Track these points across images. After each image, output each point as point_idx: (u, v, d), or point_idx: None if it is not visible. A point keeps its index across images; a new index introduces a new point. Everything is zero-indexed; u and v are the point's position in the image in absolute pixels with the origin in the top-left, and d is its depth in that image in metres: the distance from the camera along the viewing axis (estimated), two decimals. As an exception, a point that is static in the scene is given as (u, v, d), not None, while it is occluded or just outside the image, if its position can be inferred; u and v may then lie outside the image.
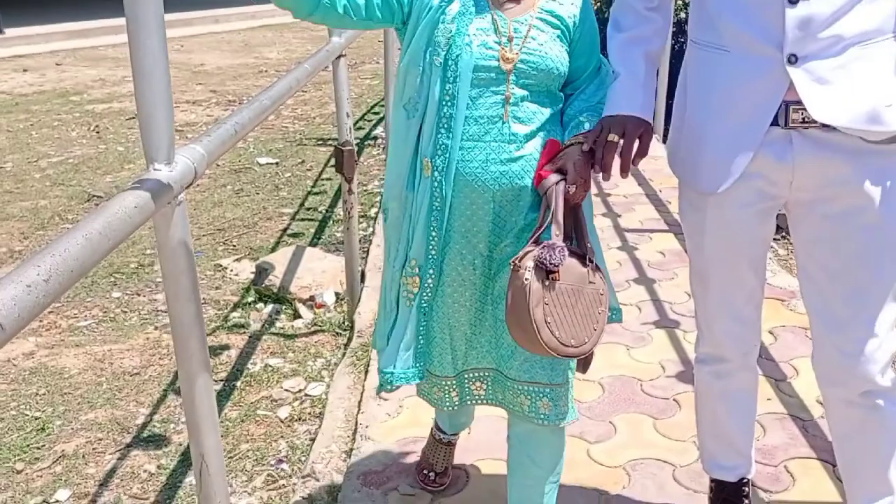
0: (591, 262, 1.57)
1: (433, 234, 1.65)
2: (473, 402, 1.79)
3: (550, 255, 1.51)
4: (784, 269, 3.51)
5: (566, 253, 1.53)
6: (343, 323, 3.53)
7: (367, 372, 2.86)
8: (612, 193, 4.49)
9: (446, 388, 1.76)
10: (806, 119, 1.48)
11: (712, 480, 1.93)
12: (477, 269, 1.67)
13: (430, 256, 1.67)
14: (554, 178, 1.58)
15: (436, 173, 1.62)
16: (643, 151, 1.57)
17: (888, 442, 1.67)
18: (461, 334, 1.71)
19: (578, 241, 1.59)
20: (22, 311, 0.90)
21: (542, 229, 1.57)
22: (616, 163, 1.56)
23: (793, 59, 1.45)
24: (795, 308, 3.06)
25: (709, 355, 1.82)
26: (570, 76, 1.67)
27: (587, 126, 1.61)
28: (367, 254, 4.08)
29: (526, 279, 1.51)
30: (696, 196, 1.67)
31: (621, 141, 1.54)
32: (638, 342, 2.81)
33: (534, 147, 1.62)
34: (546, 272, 1.50)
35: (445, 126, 1.59)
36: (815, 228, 1.59)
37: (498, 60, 1.58)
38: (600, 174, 1.58)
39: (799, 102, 1.47)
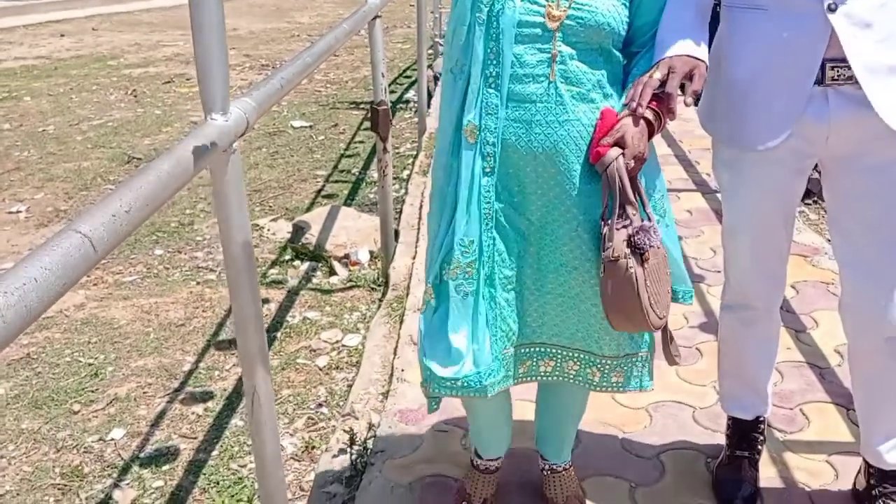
0: (655, 229, 1.54)
1: (486, 205, 1.56)
2: (531, 378, 1.71)
3: (648, 239, 1.49)
4: (809, 228, 3.57)
5: (658, 232, 1.52)
6: (377, 279, 3.66)
7: (401, 321, 2.99)
8: (641, 154, 4.55)
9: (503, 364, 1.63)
10: (842, 77, 1.54)
11: (730, 418, 2.04)
12: (529, 239, 1.60)
13: (486, 229, 1.57)
14: (614, 153, 1.49)
15: (487, 134, 1.53)
16: (696, 89, 1.49)
17: None
18: (515, 310, 1.63)
19: (641, 209, 1.56)
20: (110, 235, 1.03)
21: (608, 209, 1.53)
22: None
23: (833, 7, 1.49)
24: (818, 264, 3.13)
25: (736, 303, 1.91)
26: (634, 35, 1.58)
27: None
28: (401, 213, 4.19)
29: (630, 268, 1.49)
30: (732, 154, 1.73)
31: (662, 78, 1.48)
32: (663, 295, 2.91)
33: (584, 112, 1.54)
34: (640, 255, 1.49)
35: (493, 85, 1.52)
36: (850, 182, 1.65)
37: (543, 17, 1.51)
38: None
39: (835, 60, 1.53)
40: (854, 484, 1.96)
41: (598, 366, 1.67)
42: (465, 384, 1.56)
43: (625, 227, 1.51)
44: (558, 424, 1.91)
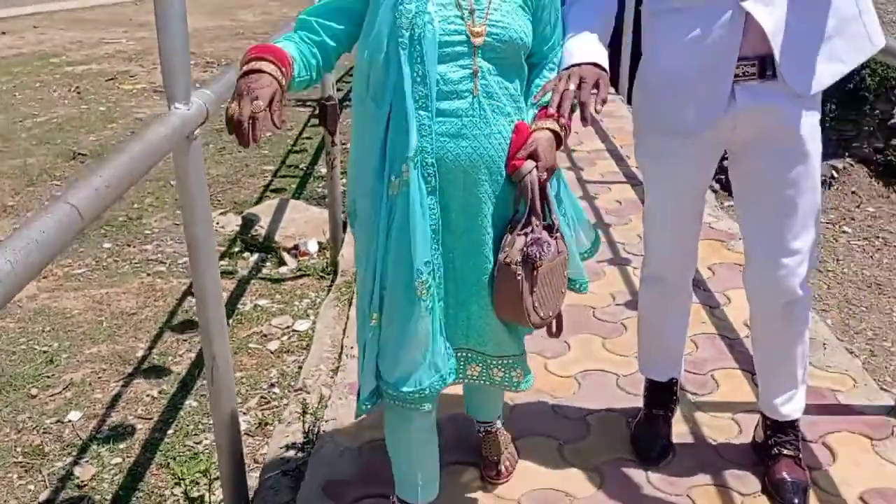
0: (557, 231, 1.70)
1: (432, 222, 1.62)
2: (462, 380, 1.82)
3: (540, 252, 1.62)
4: (727, 216, 3.85)
5: (552, 245, 1.65)
6: (326, 268, 3.82)
7: (350, 304, 3.16)
8: (576, 149, 4.79)
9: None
10: (747, 74, 1.75)
11: (647, 381, 2.27)
12: (454, 251, 1.68)
13: (435, 247, 1.63)
14: (529, 165, 1.60)
15: (425, 155, 1.58)
16: (603, 98, 1.60)
17: (799, 344, 2.00)
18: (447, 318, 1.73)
19: (548, 215, 1.70)
20: (95, 206, 1.19)
21: (517, 215, 1.65)
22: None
23: None
24: (733, 248, 3.40)
25: (654, 276, 2.13)
26: (534, 46, 1.67)
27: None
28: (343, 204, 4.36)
29: (518, 275, 1.62)
30: (655, 143, 1.94)
31: (577, 89, 1.61)
32: (594, 276, 3.13)
33: (503, 125, 1.63)
34: (532, 265, 1.62)
35: (424, 106, 1.56)
36: (753, 164, 1.88)
37: (465, 35, 1.56)
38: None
39: (742, 58, 1.73)
40: (753, 437, 2.20)
41: (503, 366, 1.80)
42: (431, 390, 1.68)
43: (525, 234, 1.64)
44: (483, 392, 2.08)
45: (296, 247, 4.09)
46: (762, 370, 2.09)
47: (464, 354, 1.78)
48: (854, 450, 2.19)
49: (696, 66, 1.77)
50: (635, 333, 2.28)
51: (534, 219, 1.64)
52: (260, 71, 1.46)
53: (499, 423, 2.15)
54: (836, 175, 7.13)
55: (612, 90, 5.50)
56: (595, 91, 1.60)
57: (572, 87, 1.59)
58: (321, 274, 3.80)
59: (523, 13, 1.62)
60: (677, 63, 1.80)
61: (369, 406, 1.75)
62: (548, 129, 1.63)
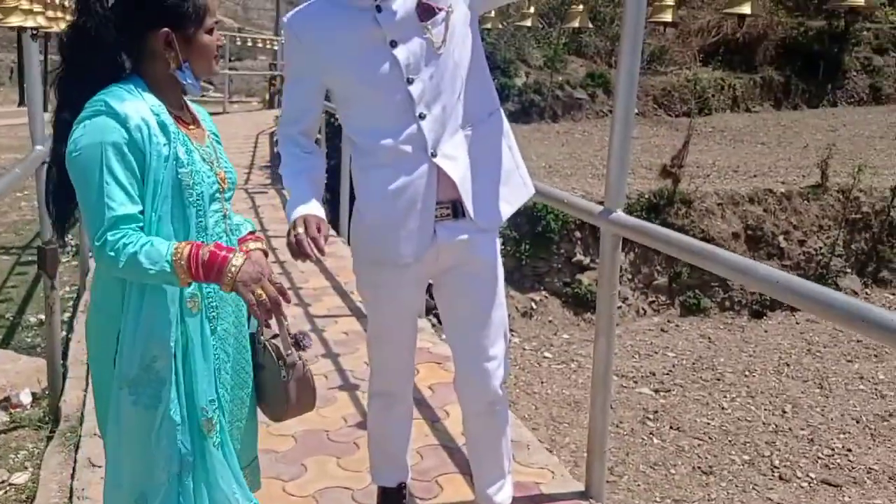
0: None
1: (216, 361, 1.78)
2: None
3: (306, 339, 1.90)
4: (442, 342, 4.27)
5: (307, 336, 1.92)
6: (44, 417, 3.62)
7: (77, 448, 3.05)
8: (302, 287, 5.06)
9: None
10: (444, 214, 2.12)
11: (379, 488, 2.48)
12: (227, 375, 1.83)
13: (221, 384, 1.80)
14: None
15: (209, 300, 1.77)
16: (325, 236, 1.91)
17: (502, 438, 2.35)
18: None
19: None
20: None
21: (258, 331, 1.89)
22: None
23: (433, 153, 2.06)
24: (448, 369, 3.78)
25: (379, 391, 2.40)
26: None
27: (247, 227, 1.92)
28: (66, 350, 4.20)
29: (307, 368, 1.87)
30: (372, 276, 2.23)
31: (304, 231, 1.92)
32: (325, 403, 3.34)
33: None
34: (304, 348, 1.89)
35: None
36: (454, 285, 2.23)
37: (218, 181, 1.79)
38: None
39: (440, 202, 2.11)
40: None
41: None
42: None
43: (275, 336, 1.89)
44: None
45: (7, 398, 3.84)
46: (475, 464, 2.41)
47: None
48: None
49: (403, 209, 2.11)
50: (367, 450, 2.50)
51: (282, 339, 1.86)
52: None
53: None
54: (534, 307, 8.04)
55: (332, 231, 5.92)
56: (318, 231, 1.92)
57: (300, 230, 1.90)
58: (38, 424, 3.60)
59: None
60: (388, 207, 2.13)
61: None
62: (260, 249, 1.86)
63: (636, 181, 9.57)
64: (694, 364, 7.60)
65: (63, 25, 3.55)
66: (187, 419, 1.72)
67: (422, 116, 2.05)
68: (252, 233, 1.93)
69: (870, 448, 6.09)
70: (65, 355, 4.14)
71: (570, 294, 8.11)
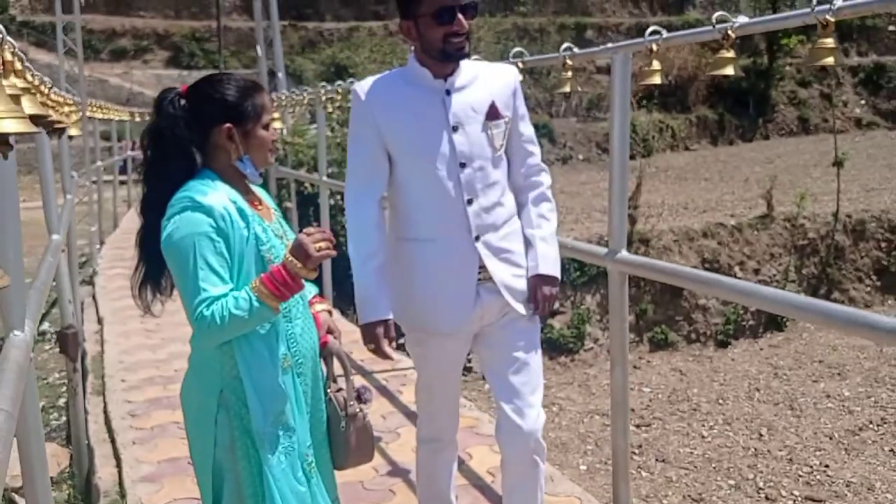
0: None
1: (307, 409, 2.00)
2: None
3: (367, 392, 2.09)
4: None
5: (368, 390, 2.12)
6: (71, 497, 3.69)
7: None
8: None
9: None
10: (485, 278, 2.32)
11: (430, 528, 2.65)
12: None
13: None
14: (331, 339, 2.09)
15: (297, 357, 1.96)
16: (392, 340, 2.24)
17: (539, 487, 2.51)
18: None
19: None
20: None
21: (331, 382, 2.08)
22: None
23: (477, 238, 2.28)
24: (464, 414, 3.97)
25: (428, 437, 2.56)
26: None
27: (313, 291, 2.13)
28: (87, 430, 4.26)
29: (367, 420, 2.06)
30: (419, 337, 2.41)
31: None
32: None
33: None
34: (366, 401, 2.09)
35: (287, 317, 1.94)
36: (495, 337, 2.40)
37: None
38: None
39: (481, 267, 2.30)
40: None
41: None
42: None
43: (339, 390, 2.10)
44: None
45: (22, 486, 3.89)
46: None
47: None
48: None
49: (445, 283, 2.30)
50: (405, 495, 2.66)
51: (348, 383, 2.07)
52: None
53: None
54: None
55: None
56: (389, 342, 2.27)
57: (373, 346, 2.26)
58: (69, 505, 3.67)
59: None
60: (430, 280, 2.31)
61: None
62: (325, 309, 2.12)
63: (594, 224, 9.95)
64: (669, 397, 7.88)
65: (74, 118, 3.73)
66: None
67: (469, 202, 2.28)
68: (317, 295, 2.15)
69: (845, 462, 6.39)
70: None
71: (543, 340, 8.32)
